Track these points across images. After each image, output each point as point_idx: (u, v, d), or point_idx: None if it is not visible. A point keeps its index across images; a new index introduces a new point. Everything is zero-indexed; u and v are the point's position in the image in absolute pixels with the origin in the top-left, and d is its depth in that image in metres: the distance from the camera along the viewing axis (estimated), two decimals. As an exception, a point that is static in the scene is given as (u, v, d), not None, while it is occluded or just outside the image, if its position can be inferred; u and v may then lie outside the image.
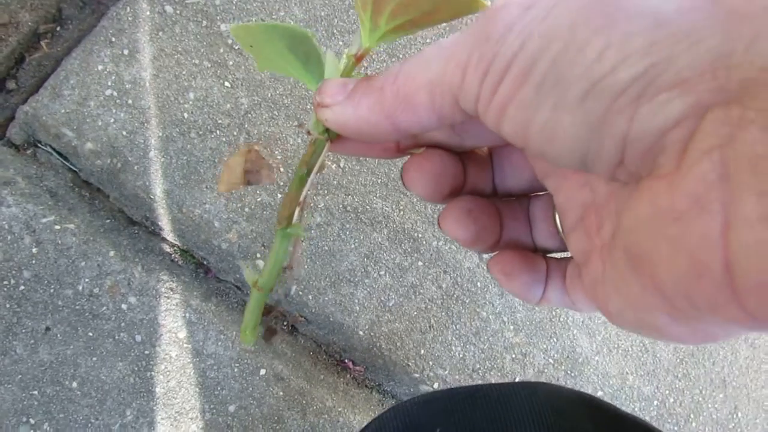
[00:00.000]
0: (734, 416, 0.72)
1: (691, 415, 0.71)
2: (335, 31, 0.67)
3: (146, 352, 0.61)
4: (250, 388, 0.62)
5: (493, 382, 0.67)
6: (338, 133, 0.23)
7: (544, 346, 0.69)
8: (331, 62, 0.23)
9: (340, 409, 0.64)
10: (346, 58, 0.23)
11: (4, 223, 0.59)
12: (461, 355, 0.67)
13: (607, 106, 0.15)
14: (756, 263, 0.13)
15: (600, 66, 0.15)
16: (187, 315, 0.62)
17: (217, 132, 0.64)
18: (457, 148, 0.25)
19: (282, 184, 0.65)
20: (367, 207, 0.66)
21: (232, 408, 0.62)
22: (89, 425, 0.60)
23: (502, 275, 0.25)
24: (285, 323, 0.67)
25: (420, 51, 0.20)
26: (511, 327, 0.68)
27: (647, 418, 0.70)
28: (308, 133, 0.24)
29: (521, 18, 0.16)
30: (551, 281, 0.25)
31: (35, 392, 0.59)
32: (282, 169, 0.65)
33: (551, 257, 0.26)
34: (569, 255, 0.25)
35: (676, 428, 0.71)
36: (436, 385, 0.67)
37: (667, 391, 0.71)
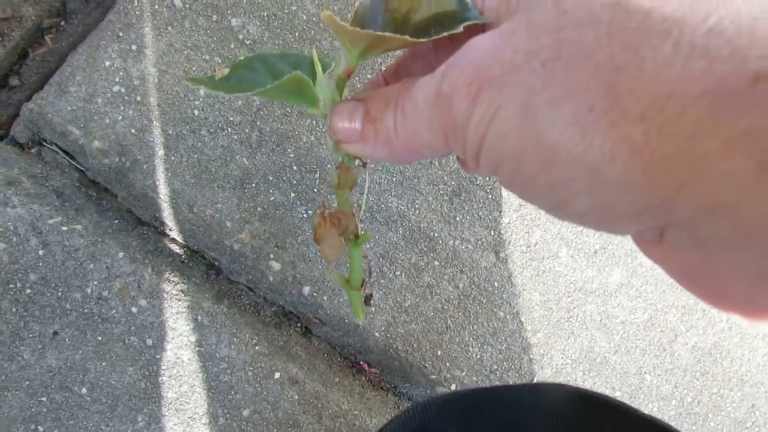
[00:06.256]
0: (752, 414, 0.72)
1: (710, 414, 0.71)
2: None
3: (157, 356, 0.60)
4: (265, 392, 0.61)
5: (511, 383, 0.66)
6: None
7: (562, 346, 0.68)
8: (325, 84, 0.25)
9: (356, 412, 0.63)
10: (336, 76, 0.25)
11: (9, 224, 0.57)
12: (478, 356, 0.66)
13: (570, 218, 0.19)
14: None
15: (553, 197, 0.18)
16: (199, 318, 0.61)
17: (229, 129, 0.62)
18: None
19: (295, 182, 0.63)
20: (382, 206, 0.64)
21: (246, 412, 0.61)
22: (100, 432, 0.58)
23: None
24: (299, 325, 0.66)
25: (408, 93, 0.22)
26: (529, 327, 0.67)
27: (666, 418, 0.69)
28: (341, 163, 0.27)
29: (473, 112, 0.18)
30: None
31: (44, 398, 0.58)
32: (295, 168, 0.63)
33: None
34: None
35: (694, 427, 0.70)
36: (453, 387, 0.66)
37: (686, 390, 0.70)
